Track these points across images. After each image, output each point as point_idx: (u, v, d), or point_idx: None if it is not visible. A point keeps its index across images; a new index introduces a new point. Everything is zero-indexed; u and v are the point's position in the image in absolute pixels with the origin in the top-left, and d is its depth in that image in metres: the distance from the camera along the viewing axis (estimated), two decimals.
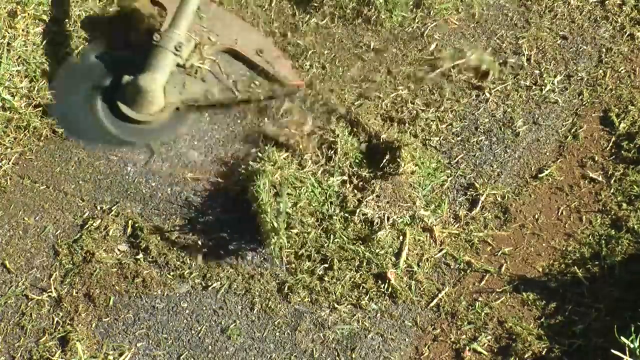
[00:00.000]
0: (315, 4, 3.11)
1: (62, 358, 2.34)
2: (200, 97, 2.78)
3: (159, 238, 2.57)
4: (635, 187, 2.56)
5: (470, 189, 2.64)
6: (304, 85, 2.81)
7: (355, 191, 2.59)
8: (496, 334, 2.32)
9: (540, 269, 2.44)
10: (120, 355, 2.35)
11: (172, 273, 2.50)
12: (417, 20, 3.03)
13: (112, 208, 2.65)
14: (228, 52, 2.81)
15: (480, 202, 2.60)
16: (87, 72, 2.84)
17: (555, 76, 2.85)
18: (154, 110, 2.73)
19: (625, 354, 2.06)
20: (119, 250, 2.56)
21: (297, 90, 2.80)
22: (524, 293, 2.39)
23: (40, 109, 2.86)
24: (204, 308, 2.43)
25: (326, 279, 2.45)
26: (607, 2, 3.06)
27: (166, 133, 2.77)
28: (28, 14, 3.00)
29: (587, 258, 2.43)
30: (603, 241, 2.46)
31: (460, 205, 2.61)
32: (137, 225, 2.59)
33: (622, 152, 2.65)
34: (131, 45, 2.87)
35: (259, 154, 2.63)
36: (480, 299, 2.40)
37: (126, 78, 2.72)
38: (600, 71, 2.86)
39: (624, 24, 3.00)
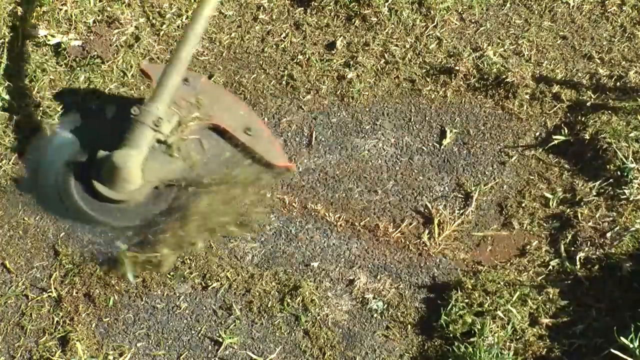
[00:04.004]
0: (316, 4, 3.12)
1: (62, 358, 2.34)
2: (180, 177, 2.57)
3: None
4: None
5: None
6: (294, 167, 2.67)
7: None
8: None
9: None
10: (120, 355, 2.35)
11: (172, 273, 2.50)
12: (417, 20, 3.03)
13: None
14: (214, 129, 2.61)
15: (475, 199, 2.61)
16: (61, 147, 2.68)
17: (555, 76, 2.85)
18: (130, 189, 2.53)
19: (625, 354, 2.06)
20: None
21: (286, 172, 2.63)
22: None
23: (40, 109, 2.86)
24: (204, 308, 2.43)
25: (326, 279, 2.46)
26: (607, 2, 3.06)
27: (141, 214, 2.57)
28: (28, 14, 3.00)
29: (588, 258, 2.43)
30: (604, 240, 2.46)
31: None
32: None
33: None
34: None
35: None
36: None
37: (101, 153, 2.54)
38: (601, 71, 2.86)
39: (624, 24, 3.00)
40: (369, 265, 2.50)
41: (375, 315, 2.40)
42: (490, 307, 2.31)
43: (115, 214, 2.57)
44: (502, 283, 2.38)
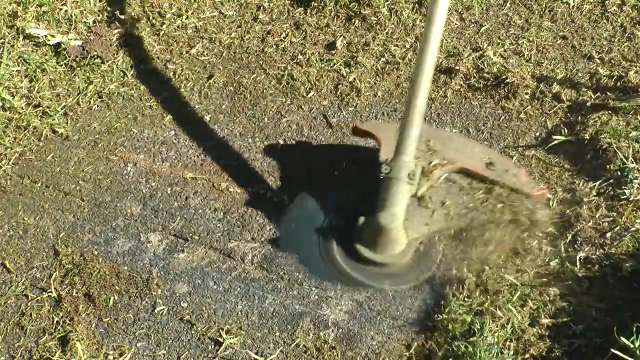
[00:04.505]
0: (316, 4, 3.12)
1: (62, 358, 2.34)
2: (443, 226, 2.47)
3: (159, 238, 2.57)
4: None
5: None
6: (547, 193, 2.56)
7: None
8: None
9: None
10: (120, 355, 2.35)
11: (172, 272, 2.50)
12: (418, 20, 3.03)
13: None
14: (457, 172, 2.52)
15: None
16: (310, 214, 2.59)
17: (555, 76, 2.85)
18: (398, 250, 2.44)
19: (625, 354, 2.06)
20: (119, 249, 2.56)
21: (542, 200, 2.53)
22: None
23: (40, 109, 2.86)
24: (204, 308, 2.43)
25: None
26: (607, 2, 3.06)
27: (414, 273, 2.46)
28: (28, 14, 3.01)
29: (588, 258, 2.43)
30: (604, 240, 2.46)
31: None
32: (136, 224, 2.60)
33: None
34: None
35: None
36: None
37: (362, 219, 2.44)
38: (601, 71, 2.86)
39: (624, 24, 3.00)
40: None
41: (375, 315, 2.39)
42: (490, 307, 2.31)
43: (384, 277, 2.45)
44: (502, 283, 2.38)
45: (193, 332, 2.39)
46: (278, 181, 2.68)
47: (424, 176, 2.45)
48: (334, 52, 3.02)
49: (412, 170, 2.36)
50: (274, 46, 3.06)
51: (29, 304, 2.46)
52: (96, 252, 2.55)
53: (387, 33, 3.03)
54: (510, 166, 2.56)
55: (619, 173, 2.57)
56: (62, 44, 2.99)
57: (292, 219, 2.60)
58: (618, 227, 2.46)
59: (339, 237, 2.52)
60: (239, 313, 2.42)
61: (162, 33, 3.10)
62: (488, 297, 2.34)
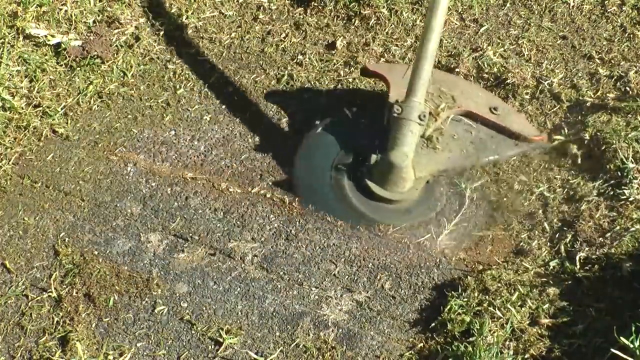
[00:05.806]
0: (316, 4, 3.12)
1: (62, 358, 2.34)
2: (448, 166, 2.61)
3: (159, 238, 2.57)
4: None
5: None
6: (546, 138, 2.69)
7: None
8: None
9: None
10: (120, 355, 2.35)
11: (172, 272, 2.50)
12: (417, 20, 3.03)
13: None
14: (463, 115, 2.66)
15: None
16: (325, 149, 2.69)
17: (555, 76, 2.85)
18: (407, 187, 2.56)
19: (625, 354, 2.06)
20: (119, 249, 2.56)
21: (541, 144, 2.68)
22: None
23: (40, 109, 2.86)
24: (204, 308, 2.43)
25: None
26: (607, 2, 3.06)
27: (422, 210, 2.60)
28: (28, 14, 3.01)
29: (588, 258, 2.43)
30: (604, 240, 2.46)
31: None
32: (136, 224, 2.60)
33: None
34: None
35: None
36: None
37: (374, 157, 2.55)
38: (601, 71, 2.86)
39: (624, 24, 3.00)
40: (369, 265, 2.50)
41: (375, 315, 2.40)
42: (490, 307, 2.31)
43: (394, 213, 2.58)
44: (501, 283, 2.38)
45: (193, 332, 2.39)
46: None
47: (432, 118, 2.57)
48: (334, 52, 3.02)
49: (422, 111, 2.48)
50: (274, 46, 3.06)
51: (29, 304, 2.46)
52: (96, 252, 2.55)
53: (387, 33, 3.03)
54: (513, 111, 2.68)
55: (619, 173, 2.57)
56: (62, 44, 2.99)
57: (306, 156, 2.70)
58: (618, 227, 2.46)
59: (350, 174, 2.63)
60: (239, 313, 2.42)
61: (162, 33, 3.10)
62: (487, 297, 2.35)
